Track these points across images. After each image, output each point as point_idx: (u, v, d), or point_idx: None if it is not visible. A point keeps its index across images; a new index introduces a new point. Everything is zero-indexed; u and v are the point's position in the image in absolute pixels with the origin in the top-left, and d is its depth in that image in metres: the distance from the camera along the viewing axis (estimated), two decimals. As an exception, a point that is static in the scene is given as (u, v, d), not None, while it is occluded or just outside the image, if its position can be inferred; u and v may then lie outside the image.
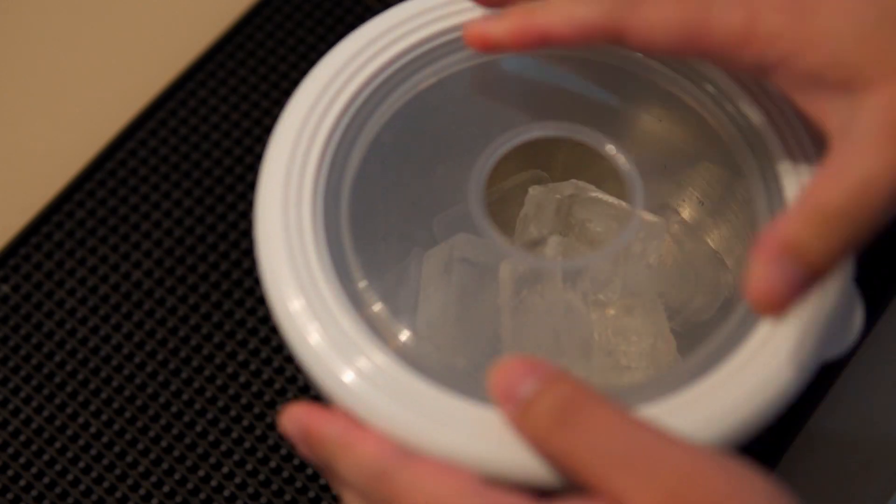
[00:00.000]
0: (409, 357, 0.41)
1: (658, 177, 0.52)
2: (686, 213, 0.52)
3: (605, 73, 0.47)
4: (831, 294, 0.42)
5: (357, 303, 0.43)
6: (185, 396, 0.58)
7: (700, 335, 0.47)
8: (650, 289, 0.50)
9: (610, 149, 0.44)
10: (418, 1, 0.46)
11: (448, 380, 0.40)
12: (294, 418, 0.39)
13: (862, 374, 0.58)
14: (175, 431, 0.57)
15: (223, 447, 0.57)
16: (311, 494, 0.56)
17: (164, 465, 0.57)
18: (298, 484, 0.56)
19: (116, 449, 0.57)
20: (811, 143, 0.44)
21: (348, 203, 0.44)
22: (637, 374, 0.48)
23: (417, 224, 0.51)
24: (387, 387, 0.40)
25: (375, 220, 0.49)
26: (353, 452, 0.38)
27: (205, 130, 0.65)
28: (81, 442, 0.57)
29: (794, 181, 0.44)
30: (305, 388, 0.58)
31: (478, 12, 0.46)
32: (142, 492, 0.56)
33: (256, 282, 0.60)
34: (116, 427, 0.58)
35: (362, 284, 0.43)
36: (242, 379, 0.58)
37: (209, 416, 0.58)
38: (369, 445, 0.38)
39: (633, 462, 0.33)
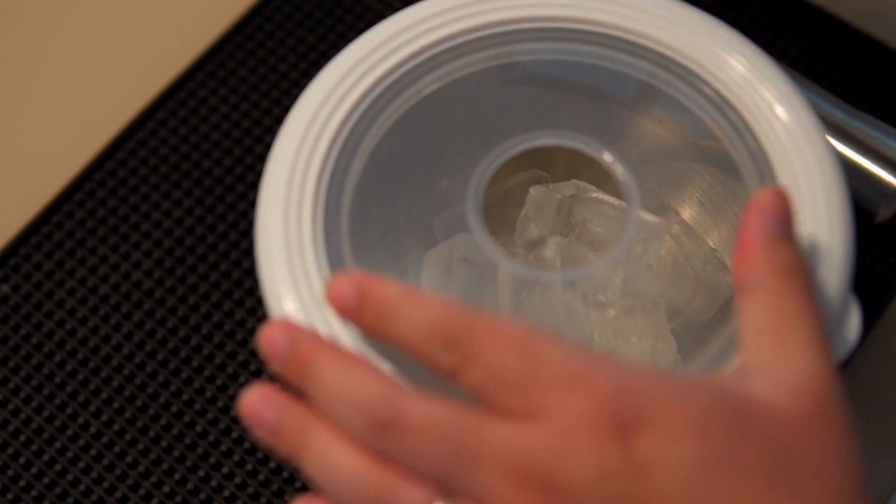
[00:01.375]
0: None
1: (658, 177, 0.52)
2: (686, 213, 0.52)
3: (608, 75, 0.47)
4: (828, 301, 0.42)
5: None
6: (185, 396, 0.58)
7: (700, 336, 0.47)
8: (650, 289, 0.50)
9: (607, 157, 0.45)
10: (420, 7, 0.46)
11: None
12: (349, 278, 0.38)
13: (861, 375, 0.58)
14: (175, 431, 0.57)
15: (223, 447, 0.57)
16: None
17: (164, 466, 0.57)
18: (298, 484, 0.56)
19: (116, 449, 0.57)
20: (807, 147, 0.44)
21: (349, 206, 0.45)
22: None
23: (417, 227, 0.51)
24: None
25: (376, 223, 0.49)
26: (421, 303, 0.37)
27: (205, 130, 0.65)
28: (81, 442, 0.57)
29: (790, 184, 0.44)
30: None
31: (481, 18, 0.46)
32: (142, 492, 0.56)
33: (256, 282, 0.60)
34: (116, 427, 0.58)
35: None
36: (242, 379, 0.58)
37: (209, 416, 0.58)
38: (437, 296, 0.37)
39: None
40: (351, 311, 0.38)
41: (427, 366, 0.36)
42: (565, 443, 0.34)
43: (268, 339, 0.38)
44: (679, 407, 0.34)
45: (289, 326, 0.38)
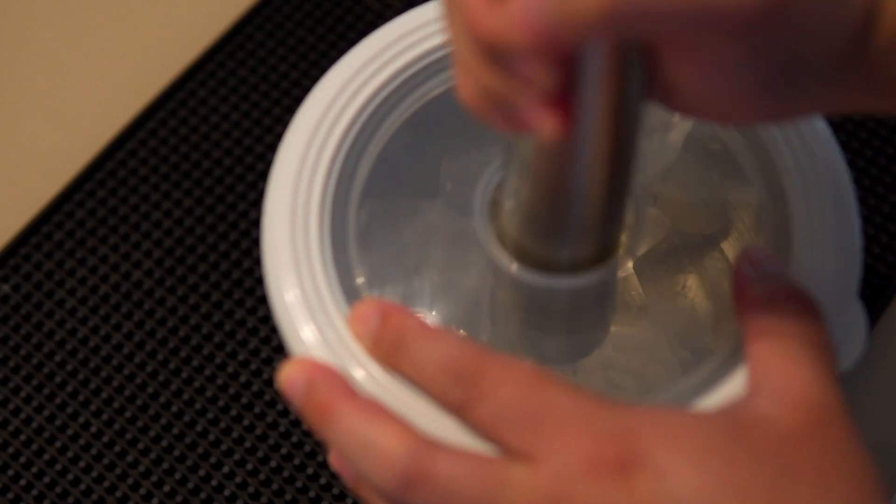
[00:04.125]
0: None
1: (661, 178, 0.52)
2: (688, 215, 0.52)
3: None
4: (835, 311, 0.42)
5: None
6: (185, 396, 0.58)
7: (702, 344, 0.47)
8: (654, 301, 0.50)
9: None
10: (426, 9, 0.47)
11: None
12: (374, 304, 0.40)
13: (861, 376, 0.58)
14: (175, 431, 0.57)
15: (224, 447, 0.57)
16: (312, 494, 0.56)
17: (165, 465, 0.57)
18: (299, 483, 0.56)
19: (117, 448, 0.57)
20: (816, 152, 0.44)
21: (356, 209, 0.45)
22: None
23: (422, 229, 0.51)
24: (385, 391, 0.40)
25: (382, 226, 0.49)
26: (436, 338, 0.38)
27: (205, 130, 0.65)
28: (82, 441, 0.57)
29: (796, 187, 0.44)
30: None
31: None
32: (142, 491, 0.56)
33: (257, 282, 0.61)
34: (117, 427, 0.58)
35: (360, 280, 0.44)
36: (243, 378, 0.59)
37: (209, 415, 0.58)
38: (452, 334, 0.38)
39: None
40: (370, 337, 0.40)
41: (435, 400, 0.38)
42: (570, 486, 0.35)
43: (286, 379, 0.39)
44: (676, 442, 0.35)
45: (307, 367, 0.39)
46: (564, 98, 0.33)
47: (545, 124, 0.33)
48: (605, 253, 0.42)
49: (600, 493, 0.35)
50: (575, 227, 0.39)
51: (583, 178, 0.37)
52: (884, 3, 0.35)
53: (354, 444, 0.37)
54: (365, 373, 0.40)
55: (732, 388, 0.41)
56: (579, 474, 0.35)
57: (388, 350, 0.39)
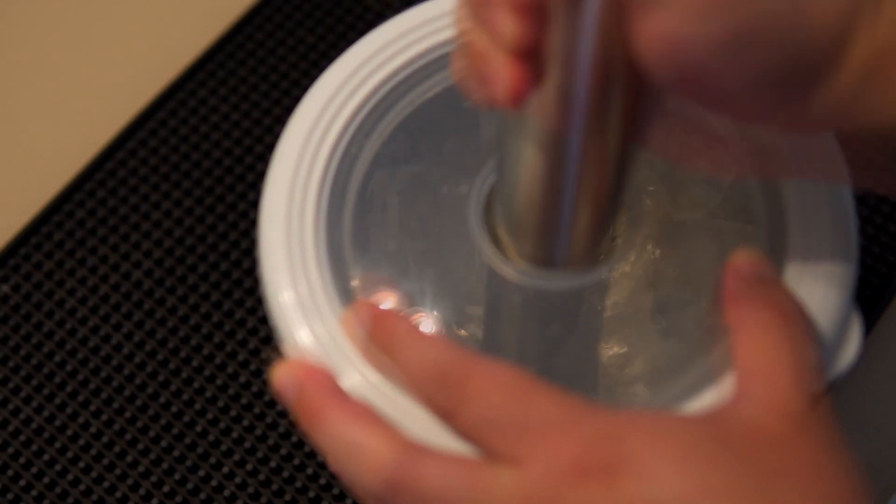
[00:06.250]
0: None
1: (661, 180, 0.52)
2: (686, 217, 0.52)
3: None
4: (828, 316, 0.42)
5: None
6: (185, 396, 0.58)
7: (689, 349, 0.47)
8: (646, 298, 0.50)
9: None
10: (423, 9, 0.47)
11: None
12: (367, 307, 0.41)
13: (860, 376, 0.58)
14: (175, 431, 0.57)
15: (223, 447, 0.57)
16: (311, 494, 0.56)
17: (164, 465, 0.57)
18: (298, 484, 0.56)
19: (116, 449, 0.57)
20: (809, 153, 0.44)
21: (352, 210, 0.45)
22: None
23: (418, 230, 0.51)
24: (379, 394, 0.40)
25: (377, 227, 0.49)
26: (425, 343, 0.38)
27: (205, 130, 0.65)
28: (81, 442, 0.57)
29: (795, 194, 0.44)
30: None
31: None
32: (142, 492, 0.56)
33: (256, 282, 0.61)
34: (116, 427, 0.58)
35: (356, 282, 0.44)
36: (242, 379, 0.59)
37: (209, 415, 0.58)
38: (441, 339, 0.39)
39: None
40: (363, 339, 0.40)
41: (423, 404, 0.38)
42: (555, 489, 0.35)
43: (278, 381, 0.40)
44: (660, 446, 0.36)
45: (298, 369, 0.40)
46: (532, 59, 0.34)
47: (506, 80, 0.34)
48: (595, 254, 0.42)
49: (585, 497, 0.35)
50: (564, 225, 0.39)
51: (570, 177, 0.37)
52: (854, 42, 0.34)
53: (341, 448, 0.38)
54: (359, 375, 0.40)
55: (718, 393, 0.41)
56: (564, 478, 0.35)
57: (379, 353, 0.40)
